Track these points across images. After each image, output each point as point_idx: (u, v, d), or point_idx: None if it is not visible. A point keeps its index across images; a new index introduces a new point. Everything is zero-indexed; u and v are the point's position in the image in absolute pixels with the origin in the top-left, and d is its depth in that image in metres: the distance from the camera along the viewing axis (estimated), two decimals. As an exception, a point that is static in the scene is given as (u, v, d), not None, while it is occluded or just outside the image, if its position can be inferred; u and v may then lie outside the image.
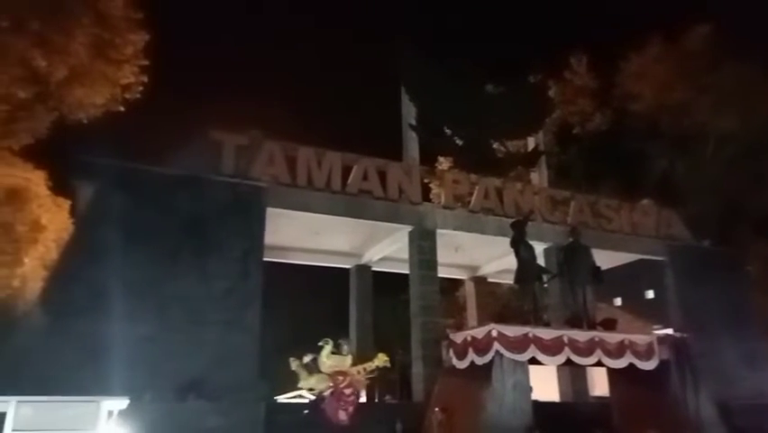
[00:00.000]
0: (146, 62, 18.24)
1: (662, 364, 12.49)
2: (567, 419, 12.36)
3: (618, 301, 28.11)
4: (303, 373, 11.31)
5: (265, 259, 13.57)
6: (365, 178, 14.94)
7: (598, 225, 17.44)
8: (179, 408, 10.05)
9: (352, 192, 14.70)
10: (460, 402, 11.47)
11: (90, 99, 17.44)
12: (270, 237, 14.14)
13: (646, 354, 12.40)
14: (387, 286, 21.92)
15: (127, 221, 11.52)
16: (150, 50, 18.37)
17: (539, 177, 18.99)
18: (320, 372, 11.20)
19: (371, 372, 11.64)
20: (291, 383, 24.54)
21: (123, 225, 11.42)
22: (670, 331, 15.46)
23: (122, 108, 18.28)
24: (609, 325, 13.00)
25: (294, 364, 11.32)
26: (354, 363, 11.60)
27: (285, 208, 13.92)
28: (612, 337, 12.29)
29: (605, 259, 15.75)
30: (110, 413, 6.48)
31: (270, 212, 13.44)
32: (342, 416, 10.79)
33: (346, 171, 14.85)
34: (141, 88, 18.29)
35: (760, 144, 27.04)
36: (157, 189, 12.29)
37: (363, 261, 18.52)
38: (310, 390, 11.61)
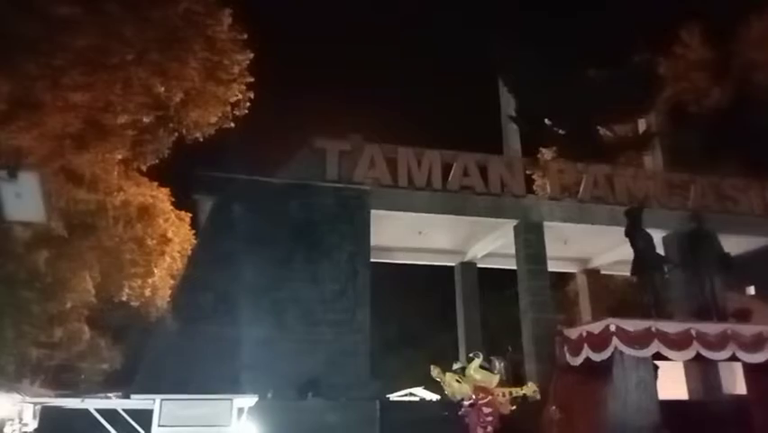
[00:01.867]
0: (252, 79, 19.32)
1: (808, 358, 11.28)
2: (698, 418, 11.50)
3: (752, 290, 25.68)
4: (448, 379, 11.23)
5: (372, 260, 13.91)
6: (465, 174, 14.84)
7: (724, 208, 16.09)
8: (300, 405, 10.57)
9: (452, 189, 14.66)
10: (577, 401, 11.07)
11: (205, 119, 18.75)
12: (376, 238, 14.43)
13: (788, 347, 11.27)
14: (493, 283, 21.58)
15: (243, 230, 12.30)
16: (253, 66, 19.44)
17: (653, 160, 17.85)
18: (463, 382, 11.09)
19: (516, 398, 11.35)
20: (401, 382, 25.05)
21: (240, 234, 12.21)
22: (817, 321, 13.90)
23: (232, 125, 19.50)
24: (743, 315, 11.98)
25: (435, 372, 11.34)
26: (501, 384, 11.39)
27: (388, 210, 14.17)
28: (747, 329, 11.31)
29: (733, 244, 14.45)
30: (240, 410, 6.95)
31: (374, 214, 13.75)
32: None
33: (446, 169, 14.84)
34: (248, 104, 19.41)
35: None
36: (268, 199, 13.03)
37: (468, 258, 18.37)
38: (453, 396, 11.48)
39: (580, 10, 18.25)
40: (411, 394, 23.68)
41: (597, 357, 10.90)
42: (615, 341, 10.51)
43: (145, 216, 17.75)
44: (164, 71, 17.27)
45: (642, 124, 17.98)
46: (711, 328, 11.12)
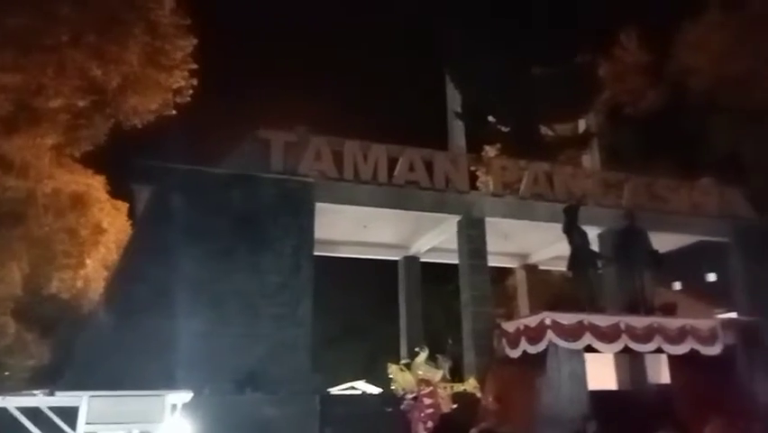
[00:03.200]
0: (195, 66, 18.80)
1: (728, 350, 12.02)
2: (625, 407, 12.04)
3: (678, 285, 27.09)
4: (394, 370, 11.44)
5: (315, 253, 13.82)
6: (411, 169, 14.93)
7: (656, 207, 16.78)
8: (238, 400, 10.41)
9: (398, 184, 14.73)
10: (514, 391, 11.39)
11: (144, 105, 18.15)
12: (320, 232, 14.33)
13: (709, 339, 11.96)
14: (436, 277, 21.89)
15: (183, 221, 11.95)
16: (197, 53, 18.93)
17: (591, 159, 18.47)
18: (408, 373, 11.29)
19: (457, 394, 11.63)
20: (343, 375, 25.10)
21: (179, 225, 11.86)
22: (735, 315, 14.80)
23: (174, 112, 18.93)
24: (669, 310, 12.61)
25: (391, 369, 11.49)
26: (444, 380, 11.62)
27: (333, 203, 14.09)
28: (672, 323, 11.91)
29: (663, 242, 15.18)
30: (174, 407, 6.77)
31: (319, 207, 13.65)
32: (422, 430, 10.79)
33: (392, 163, 14.88)
34: (191, 92, 18.88)
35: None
36: (210, 189, 12.71)
37: (411, 252, 18.53)
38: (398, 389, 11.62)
39: (526, 10, 18.58)
40: (352, 388, 23.78)
41: (533, 350, 11.24)
42: (550, 334, 10.86)
43: (78, 205, 17.03)
44: (101, 54, 16.60)
45: (581, 124, 18.54)
46: (639, 322, 11.65)
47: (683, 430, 11.09)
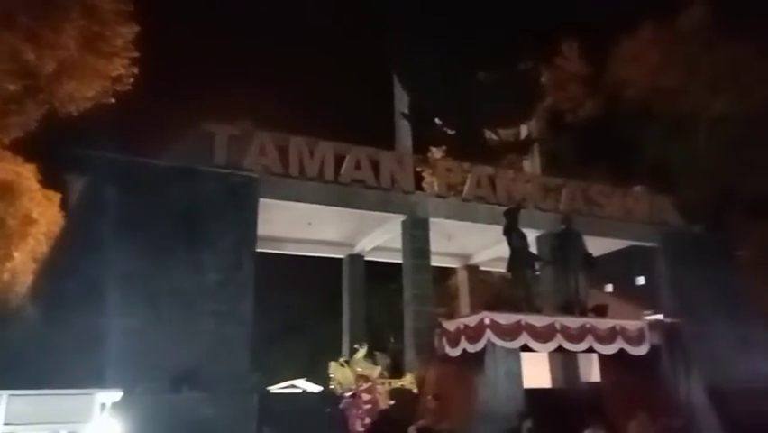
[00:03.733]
0: (136, 54, 18.16)
1: (654, 350, 12.63)
2: (558, 405, 12.48)
3: (610, 288, 28.33)
4: (333, 367, 11.44)
5: (258, 250, 13.63)
6: (358, 167, 14.94)
7: (591, 212, 17.46)
8: (173, 399, 10.12)
9: (344, 182, 14.71)
10: (453, 389, 11.59)
11: (80, 92, 17.39)
12: (263, 228, 14.14)
13: (637, 339, 12.53)
14: (380, 275, 22.02)
15: (119, 214, 11.51)
16: (140, 41, 18.30)
17: (531, 164, 19.02)
18: (347, 369, 11.32)
19: (394, 391, 11.72)
20: (284, 374, 24.87)
21: (115, 218, 11.41)
22: (660, 317, 15.59)
23: (113, 100, 18.23)
24: (600, 311, 13.12)
25: (332, 367, 11.48)
26: (382, 376, 11.70)
27: (277, 199, 13.92)
28: (603, 323, 12.41)
29: (597, 245, 15.82)
30: (103, 406, 6.53)
31: (263, 203, 13.45)
32: (359, 426, 10.81)
33: (339, 161, 14.85)
34: (131, 80, 18.24)
35: (754, 128, 27.13)
36: (149, 182, 12.29)
37: (356, 250, 18.56)
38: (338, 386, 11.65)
39: (473, 16, 18.93)
40: (293, 386, 23.59)
41: (472, 348, 11.46)
42: (488, 333, 11.11)
43: (7, 194, 16.12)
44: (36, 37, 15.79)
45: (524, 130, 19.07)
46: (573, 322, 12.08)
47: (610, 426, 11.59)
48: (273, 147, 14.16)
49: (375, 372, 11.54)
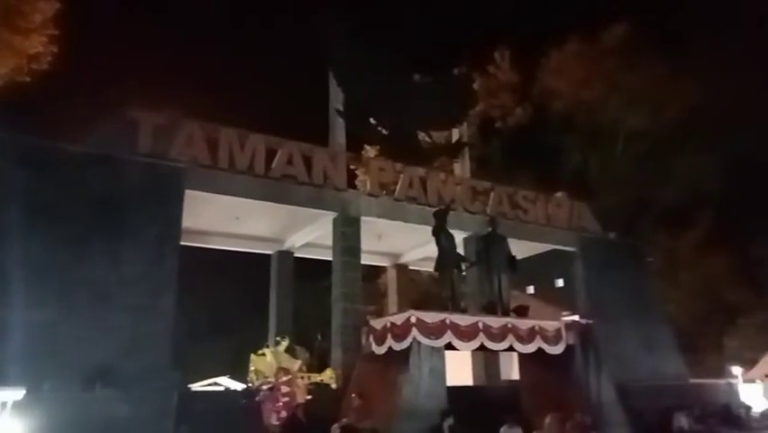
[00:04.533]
0: (56, 32, 17.11)
1: (569, 349, 13.22)
2: (479, 402, 12.85)
3: (531, 289, 29.51)
4: (253, 358, 11.25)
5: (182, 243, 13.17)
6: (290, 162, 14.74)
7: (516, 216, 18.10)
8: (84, 397, 9.60)
9: (275, 176, 14.46)
10: (377, 387, 11.66)
11: (-8, 68, 16.19)
12: (189, 221, 13.71)
13: (554, 339, 13.07)
14: (309, 272, 21.84)
15: (30, 200, 10.80)
16: (61, 19, 17.26)
17: (461, 168, 19.46)
18: (268, 361, 11.16)
19: (313, 385, 11.65)
20: (208, 371, 24.19)
21: (26, 205, 10.69)
22: (576, 317, 16.36)
23: (28, 79, 17.09)
24: (522, 311, 13.57)
25: (252, 359, 11.28)
26: (302, 371, 11.60)
27: (205, 191, 13.51)
28: (523, 323, 12.85)
29: (520, 248, 16.40)
30: (3, 405, 6.09)
31: (189, 195, 13.01)
32: (275, 420, 10.66)
33: (270, 155, 14.59)
34: (49, 59, 17.18)
35: (665, 142, 29.07)
36: (66, 168, 11.59)
37: (285, 246, 18.32)
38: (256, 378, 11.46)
39: (410, 20, 19.17)
40: (216, 384, 23.00)
41: (398, 346, 11.56)
42: (414, 331, 11.25)
43: None
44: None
45: (455, 133, 19.49)
46: (495, 322, 12.44)
47: (526, 422, 12.06)
48: (202, 138, 13.73)
49: (295, 365, 11.48)
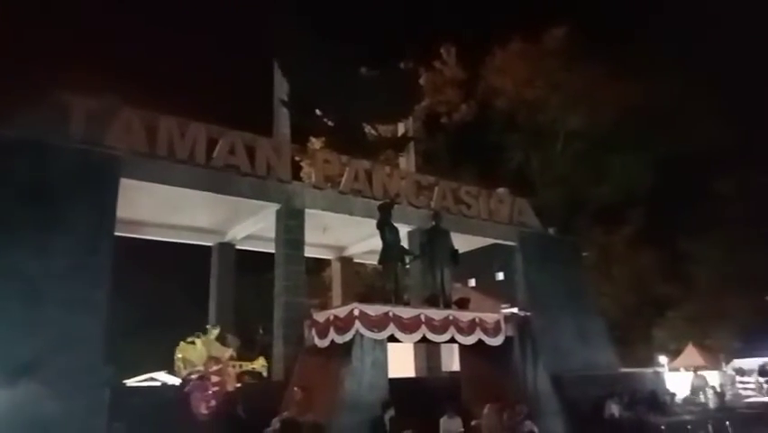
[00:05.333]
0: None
1: (507, 341, 13.56)
2: (420, 393, 13.02)
3: (473, 282, 30.22)
4: (182, 348, 11.01)
5: (118, 234, 12.69)
6: (232, 152, 14.41)
7: (459, 211, 18.39)
8: (8, 395, 9.10)
9: (217, 166, 14.12)
10: (319, 380, 11.61)
11: None
12: (125, 211, 13.22)
13: (494, 331, 13.38)
14: (252, 265, 21.49)
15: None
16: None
17: (407, 162, 19.59)
18: (197, 351, 10.95)
19: (246, 372, 11.51)
20: (144, 366, 23.45)
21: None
22: (515, 310, 16.84)
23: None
24: (463, 304, 13.82)
25: (180, 347, 11.00)
26: (233, 359, 11.45)
27: (142, 180, 13.02)
28: (464, 316, 13.09)
29: (463, 242, 16.69)
30: None
31: (126, 183, 12.52)
32: (204, 408, 10.48)
33: (212, 144, 14.22)
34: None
35: (601, 141, 30.28)
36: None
37: (227, 238, 17.93)
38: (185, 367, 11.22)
39: (358, 11, 19.09)
40: (152, 379, 22.34)
41: (340, 339, 11.55)
42: (357, 324, 11.25)
43: None
44: None
45: (401, 128, 19.60)
46: (437, 314, 12.62)
47: (465, 412, 12.33)
48: (140, 125, 13.23)
49: (226, 353, 11.34)
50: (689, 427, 15.56)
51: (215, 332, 11.54)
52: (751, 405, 22.21)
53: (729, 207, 30.86)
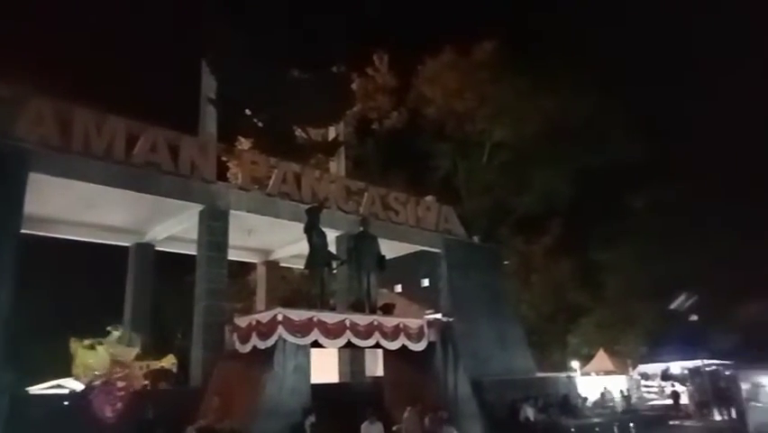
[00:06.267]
0: None
1: (430, 346, 13.82)
2: (343, 398, 13.00)
3: (399, 288, 30.54)
4: (80, 354, 10.39)
5: (25, 231, 11.89)
6: (153, 149, 13.87)
7: (387, 217, 18.54)
8: None
9: (136, 163, 13.53)
10: (239, 387, 11.35)
11: None
12: (34, 207, 12.44)
13: (417, 336, 13.60)
14: (172, 267, 20.66)
15: None
16: None
17: (337, 166, 19.58)
18: (98, 355, 10.39)
19: (155, 371, 11.08)
20: (52, 372, 21.95)
21: None
22: (438, 316, 17.16)
23: None
24: (388, 309, 13.93)
25: (74, 345, 10.32)
26: (139, 358, 10.97)
27: (54, 175, 12.27)
28: (389, 321, 13.21)
29: (390, 248, 16.84)
30: None
31: (35, 178, 11.76)
32: (109, 411, 10.03)
33: (132, 141, 13.61)
34: None
35: (525, 153, 31.47)
36: None
37: (146, 239, 17.15)
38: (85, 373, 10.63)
39: (290, 13, 18.89)
40: (59, 386, 20.98)
41: (262, 345, 11.34)
42: (280, 329, 11.10)
43: None
44: None
45: (332, 132, 19.56)
46: (362, 320, 12.66)
47: (387, 418, 12.42)
48: (53, 117, 12.49)
49: (131, 354, 10.90)
50: (597, 429, 16.43)
51: (117, 334, 10.97)
52: (653, 407, 23.83)
53: (639, 220, 32.93)
